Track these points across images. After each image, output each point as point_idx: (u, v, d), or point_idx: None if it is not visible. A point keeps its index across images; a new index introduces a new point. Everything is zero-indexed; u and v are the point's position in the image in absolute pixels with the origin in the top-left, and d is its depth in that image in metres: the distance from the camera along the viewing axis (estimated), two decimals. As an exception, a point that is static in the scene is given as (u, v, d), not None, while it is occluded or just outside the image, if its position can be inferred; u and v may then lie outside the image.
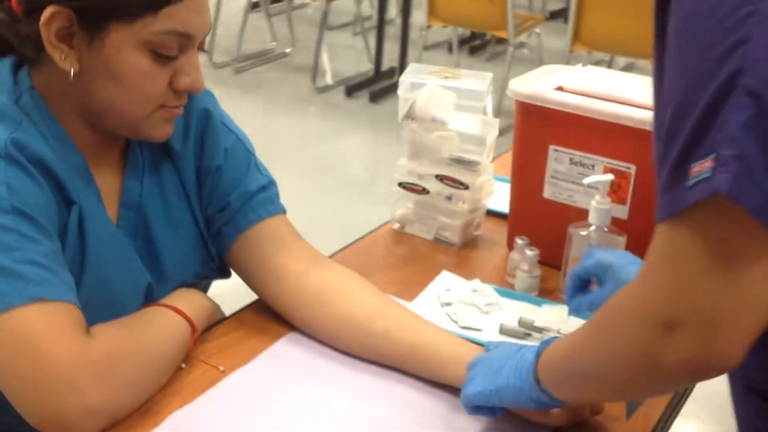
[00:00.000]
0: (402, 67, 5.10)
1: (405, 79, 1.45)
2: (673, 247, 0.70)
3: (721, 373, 0.72)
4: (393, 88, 5.02)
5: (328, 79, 5.20)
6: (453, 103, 1.43)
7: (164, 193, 1.21)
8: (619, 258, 1.08)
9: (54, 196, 1.06)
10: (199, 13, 1.07)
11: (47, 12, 1.01)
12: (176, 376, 1.10)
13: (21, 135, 1.04)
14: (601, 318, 0.82)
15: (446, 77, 1.45)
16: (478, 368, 1.03)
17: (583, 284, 1.12)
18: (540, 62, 4.80)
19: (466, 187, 1.45)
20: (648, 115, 1.27)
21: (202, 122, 1.24)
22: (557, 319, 1.29)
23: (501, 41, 5.76)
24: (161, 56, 1.06)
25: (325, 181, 3.74)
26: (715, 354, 0.69)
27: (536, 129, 1.37)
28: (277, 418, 1.05)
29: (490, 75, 1.47)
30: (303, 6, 6.62)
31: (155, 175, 1.21)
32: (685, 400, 1.19)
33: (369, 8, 6.35)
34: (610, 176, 1.26)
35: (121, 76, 1.05)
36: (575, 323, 1.27)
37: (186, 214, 1.23)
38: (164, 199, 1.21)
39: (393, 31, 5.67)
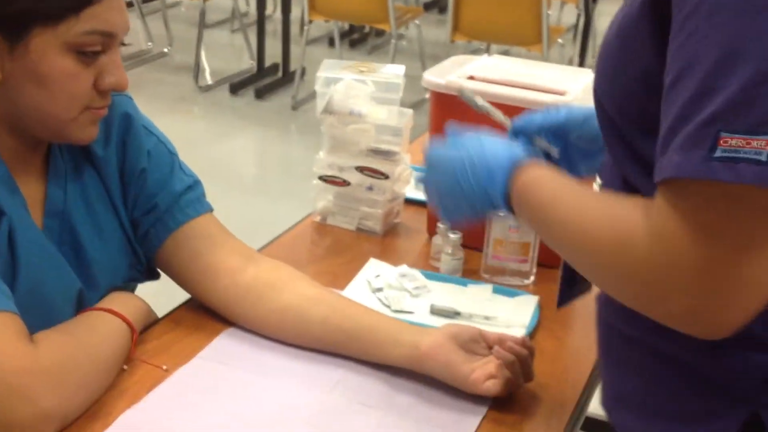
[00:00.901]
0: (285, 62, 5.11)
1: (321, 75, 1.48)
2: (697, 215, 0.69)
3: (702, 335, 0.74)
4: (278, 84, 5.02)
5: (211, 78, 5.15)
6: (369, 96, 1.47)
7: (88, 198, 1.21)
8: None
9: None
10: (119, 12, 1.08)
11: None
12: (120, 378, 1.11)
13: None
14: (611, 226, 0.77)
15: (361, 71, 1.49)
16: (440, 172, 1.02)
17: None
18: (422, 53, 4.91)
19: (386, 177, 1.49)
20: (559, 100, 1.35)
21: (123, 126, 1.23)
22: (482, 297, 1.35)
23: (379, 34, 5.85)
24: (86, 55, 1.06)
25: (218, 181, 3.69)
26: (710, 322, 0.72)
27: (452, 117, 1.41)
28: (224, 412, 1.07)
29: (402, 67, 1.52)
30: (176, 4, 6.52)
31: (78, 181, 1.20)
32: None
33: (244, 5, 6.31)
34: (525, 159, 1.32)
35: (47, 80, 1.04)
36: (500, 302, 1.34)
37: (111, 219, 1.23)
38: (88, 204, 1.21)
39: (271, 27, 5.66)
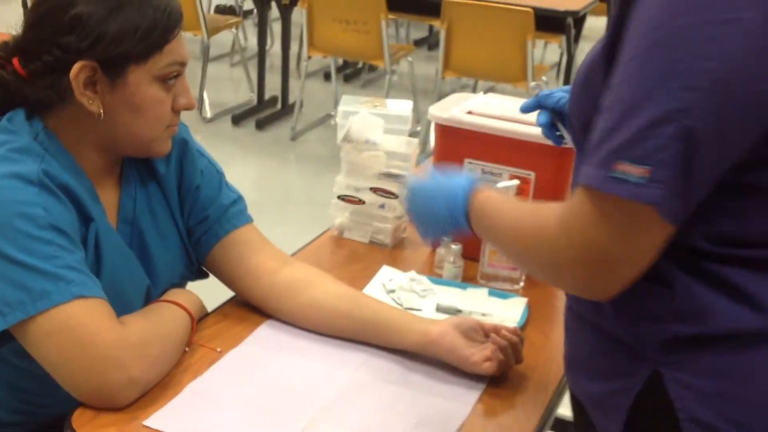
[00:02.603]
0: (284, 95, 5.37)
1: (341, 109, 1.73)
2: (596, 213, 0.93)
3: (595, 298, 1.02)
4: (277, 116, 5.28)
5: (214, 110, 5.40)
6: (381, 127, 1.72)
7: (152, 208, 1.44)
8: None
9: (77, 214, 1.28)
10: (184, 45, 1.34)
11: (76, 67, 1.24)
12: (184, 357, 1.34)
13: (47, 166, 1.25)
14: (526, 232, 1.05)
15: (375, 106, 1.74)
16: (415, 199, 1.30)
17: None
18: (414, 87, 5.18)
19: (396, 197, 1.74)
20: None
21: (181, 149, 1.47)
22: (480, 299, 1.59)
23: (372, 69, 6.13)
24: (167, 83, 1.31)
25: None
26: (596, 288, 0.98)
27: (453, 146, 1.68)
28: (269, 385, 1.31)
29: (410, 103, 1.77)
30: (177, 38, 6.77)
31: (145, 193, 1.44)
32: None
33: (244, 40, 6.58)
34: (516, 181, 1.57)
35: (141, 107, 1.29)
36: (494, 302, 1.58)
37: (171, 226, 1.46)
38: (153, 213, 1.44)
39: (269, 62, 5.92)
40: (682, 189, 0.89)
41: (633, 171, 0.88)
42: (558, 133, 1.43)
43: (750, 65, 0.85)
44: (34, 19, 1.27)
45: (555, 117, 1.41)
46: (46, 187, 1.23)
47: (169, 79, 1.31)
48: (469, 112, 1.69)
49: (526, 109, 1.45)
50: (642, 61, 0.89)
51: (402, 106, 1.76)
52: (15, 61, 1.28)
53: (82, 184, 1.31)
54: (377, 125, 1.72)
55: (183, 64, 1.33)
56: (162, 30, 1.27)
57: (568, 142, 1.38)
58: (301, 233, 1.85)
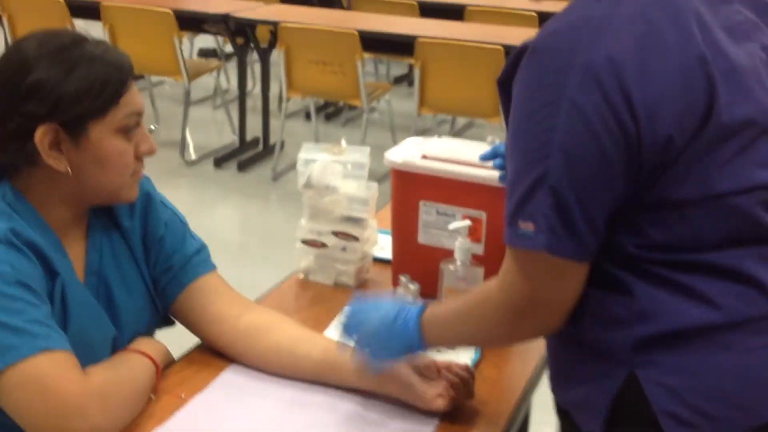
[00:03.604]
0: (265, 136, 5.45)
1: (301, 156, 1.80)
2: (517, 266, 1.14)
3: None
4: (259, 157, 5.36)
5: (196, 153, 5.47)
6: (341, 173, 1.79)
7: (118, 260, 1.51)
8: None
9: (43, 270, 1.34)
10: (138, 95, 1.41)
11: (39, 131, 1.31)
12: (148, 405, 1.39)
13: (15, 224, 1.32)
14: (473, 308, 1.26)
15: (334, 153, 1.81)
16: (365, 339, 1.39)
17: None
18: (391, 124, 5.27)
19: (357, 239, 1.80)
20: (492, 174, 1.67)
21: (145, 202, 1.54)
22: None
23: (352, 107, 6.23)
24: (127, 133, 1.38)
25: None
26: (546, 326, 1.19)
27: (409, 189, 1.74)
28: (228, 429, 1.36)
29: (367, 149, 1.84)
30: (160, 83, 6.88)
31: (110, 246, 1.50)
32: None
33: (225, 82, 6.69)
34: (468, 222, 1.64)
35: (107, 160, 1.36)
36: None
37: (136, 277, 1.53)
38: (118, 265, 1.50)
39: (251, 103, 6.01)
40: (565, 231, 1.08)
41: (526, 227, 1.09)
42: None
43: (578, 128, 1.05)
44: None
45: None
46: (13, 244, 1.30)
47: (129, 129, 1.38)
48: (424, 156, 1.76)
49: (484, 158, 1.62)
50: (513, 140, 1.12)
51: (359, 153, 1.83)
52: None
53: (48, 240, 1.38)
54: (336, 171, 1.79)
55: (140, 114, 1.40)
56: (115, 84, 1.34)
57: None
58: (283, 272, 1.91)
